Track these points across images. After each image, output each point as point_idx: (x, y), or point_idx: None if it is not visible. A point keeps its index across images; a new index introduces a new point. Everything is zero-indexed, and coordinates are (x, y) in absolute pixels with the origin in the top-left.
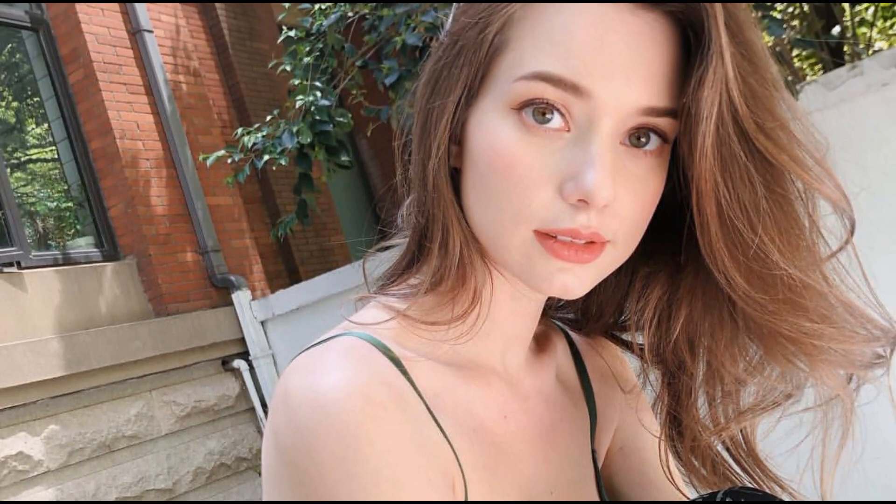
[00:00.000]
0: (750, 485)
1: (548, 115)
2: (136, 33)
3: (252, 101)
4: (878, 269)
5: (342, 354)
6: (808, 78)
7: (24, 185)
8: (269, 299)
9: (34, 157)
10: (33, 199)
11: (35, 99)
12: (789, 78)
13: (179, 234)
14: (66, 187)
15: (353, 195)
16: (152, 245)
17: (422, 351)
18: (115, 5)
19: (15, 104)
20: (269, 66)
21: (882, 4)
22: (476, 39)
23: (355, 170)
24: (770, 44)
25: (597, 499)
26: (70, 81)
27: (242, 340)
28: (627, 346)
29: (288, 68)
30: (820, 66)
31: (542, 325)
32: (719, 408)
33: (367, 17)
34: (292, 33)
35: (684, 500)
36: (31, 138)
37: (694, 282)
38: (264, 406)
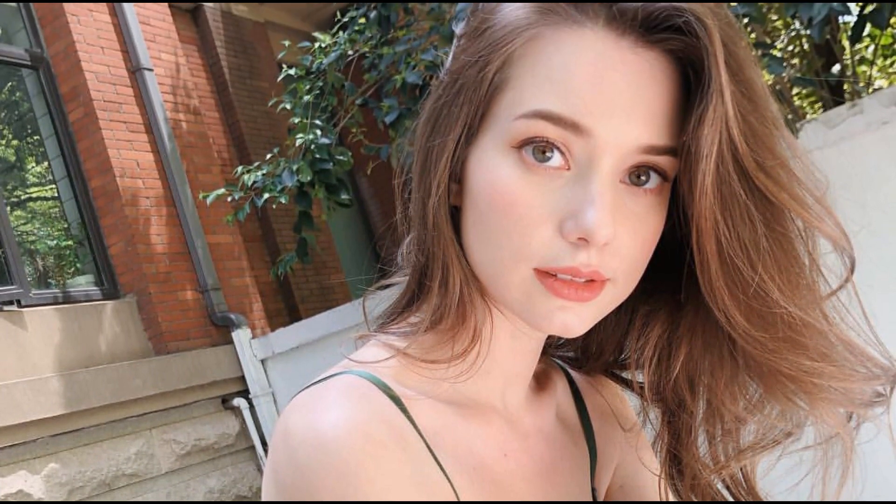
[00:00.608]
0: None
1: (548, 154)
2: (136, 71)
3: (252, 139)
4: (878, 308)
5: (342, 393)
6: (808, 116)
7: (24, 224)
8: (269, 338)
9: (34, 195)
10: (33, 238)
11: (35, 137)
12: (789, 116)
13: (179, 272)
14: (66, 226)
15: (353, 233)
16: (152, 283)
17: (422, 389)
18: (115, 44)
19: (15, 142)
20: (269, 104)
21: (882, 43)
22: (476, 78)
23: (355, 208)
24: (770, 82)
25: None
26: (70, 120)
27: (242, 379)
28: (627, 384)
29: (288, 107)
30: (820, 104)
31: (542, 363)
32: (719, 446)
33: (367, 55)
34: (292, 71)
35: None
36: (31, 177)
37: (694, 320)
38: (264, 444)
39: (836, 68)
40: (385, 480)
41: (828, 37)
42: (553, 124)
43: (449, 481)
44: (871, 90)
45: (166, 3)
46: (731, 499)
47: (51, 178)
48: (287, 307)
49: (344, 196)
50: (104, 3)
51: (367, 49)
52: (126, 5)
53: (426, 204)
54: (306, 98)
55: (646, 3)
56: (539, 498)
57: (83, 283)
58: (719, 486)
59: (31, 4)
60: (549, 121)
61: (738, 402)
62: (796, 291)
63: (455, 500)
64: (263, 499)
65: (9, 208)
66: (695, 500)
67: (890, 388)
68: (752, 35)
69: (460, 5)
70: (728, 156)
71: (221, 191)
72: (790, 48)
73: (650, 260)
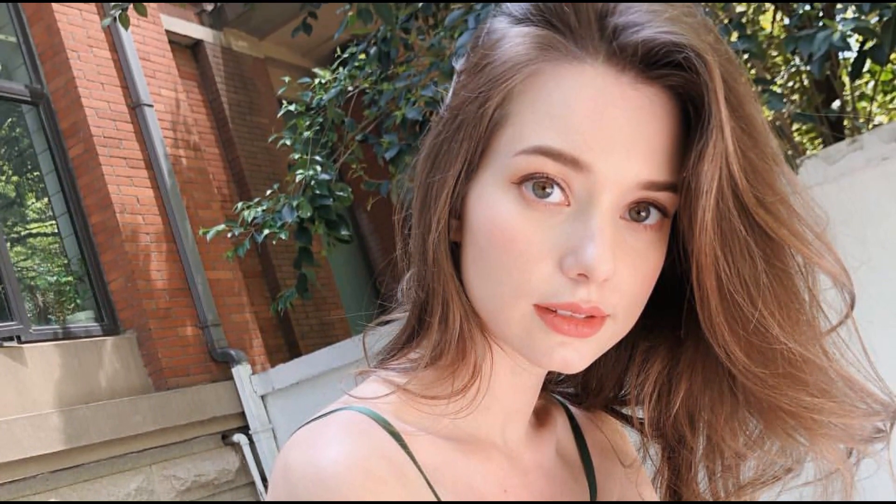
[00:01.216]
0: None
1: (548, 190)
2: (136, 107)
3: (252, 175)
4: (878, 344)
5: (342, 428)
6: (808, 152)
7: (24, 260)
8: (269, 373)
9: (34, 231)
10: (33, 274)
11: (35, 173)
12: (789, 152)
13: (179, 308)
14: (66, 261)
15: (353, 269)
16: (152, 319)
17: (422, 425)
18: (115, 80)
19: (15, 178)
20: (269, 140)
21: (882, 79)
22: (476, 114)
23: (355, 244)
24: (770, 118)
25: None
26: (70, 155)
27: (242, 415)
28: (627, 420)
29: (288, 142)
30: (820, 140)
31: (542, 399)
32: (719, 482)
33: (367, 91)
34: (292, 107)
35: None
36: (31, 212)
37: (694, 356)
38: (264, 480)
39: (836, 104)
40: None
41: (828, 73)
42: (553, 160)
43: None
44: (871, 126)
45: (166, 39)
46: None
47: (51, 214)
48: (287, 343)
49: (344, 232)
50: (104, 40)
51: (367, 85)
52: (126, 42)
53: (426, 240)
54: (306, 134)
55: (646, 39)
56: None
57: (83, 319)
58: None
59: (32, 41)
60: (549, 157)
61: (738, 438)
62: (796, 327)
63: None
64: None
65: (9, 244)
66: None
67: (890, 424)
68: (753, 71)
69: (460, 41)
70: (728, 192)
71: (221, 227)
72: (790, 84)
73: (650, 296)
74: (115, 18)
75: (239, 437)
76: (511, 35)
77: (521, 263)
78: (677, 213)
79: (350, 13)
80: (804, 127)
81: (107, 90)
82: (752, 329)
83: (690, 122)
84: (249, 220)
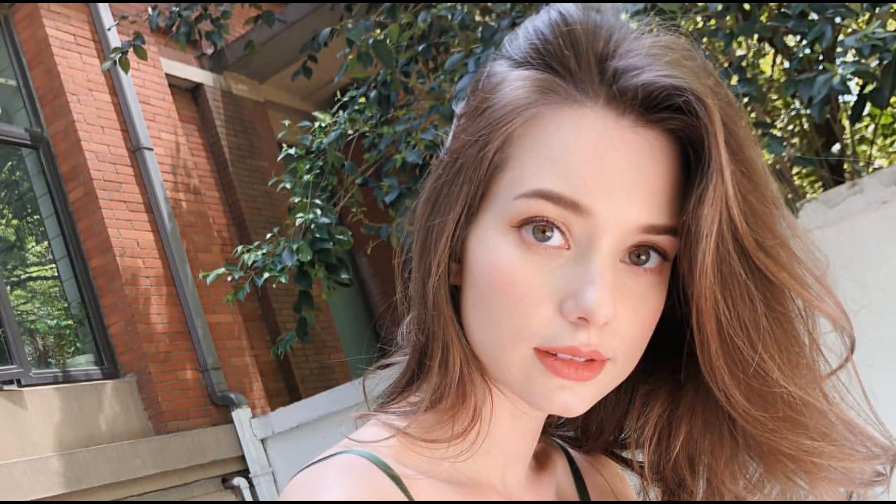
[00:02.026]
0: None
1: (548, 233)
2: (135, 151)
3: (252, 218)
4: (878, 387)
5: (342, 472)
6: (808, 195)
7: (24, 303)
8: (269, 417)
9: (34, 274)
10: (33, 317)
11: (35, 217)
12: (789, 195)
13: (179, 351)
14: (66, 305)
15: (353, 313)
16: (152, 363)
17: (422, 469)
18: (115, 123)
19: (15, 222)
20: (269, 183)
21: (882, 122)
22: (476, 157)
23: (355, 287)
24: (770, 162)
25: None
26: (70, 199)
27: (242, 458)
28: (627, 463)
29: (288, 186)
30: (820, 183)
31: (542, 442)
32: None
33: (367, 134)
34: (292, 151)
35: None
36: (31, 256)
37: (694, 399)
38: None
39: (836, 148)
40: None
41: (828, 116)
42: (553, 204)
43: None
44: (870, 170)
45: (166, 83)
46: None
47: (51, 257)
48: (287, 386)
49: (344, 276)
50: (104, 84)
51: (367, 129)
52: (126, 85)
53: (426, 283)
54: (306, 177)
55: (646, 83)
56: None
57: (83, 363)
58: None
59: (32, 85)
60: (549, 200)
61: (739, 481)
62: (796, 371)
63: None
64: None
65: (9, 288)
66: None
67: (890, 468)
68: (752, 114)
69: (460, 85)
70: (728, 235)
71: (221, 270)
72: (790, 128)
73: (650, 339)
74: (114, 62)
75: (239, 481)
76: (511, 79)
77: (522, 307)
78: (677, 257)
79: (350, 57)
80: (804, 170)
81: (107, 133)
82: (753, 372)
83: (690, 165)
84: (249, 263)
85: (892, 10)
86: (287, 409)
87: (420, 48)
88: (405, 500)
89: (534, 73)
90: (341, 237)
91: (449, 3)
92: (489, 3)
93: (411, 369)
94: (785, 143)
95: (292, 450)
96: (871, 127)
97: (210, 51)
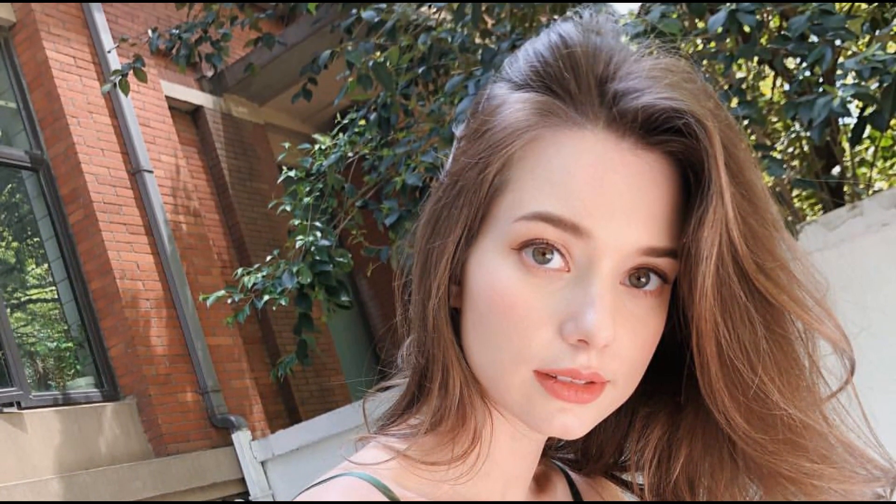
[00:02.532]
0: None
1: (548, 256)
2: (136, 173)
3: (252, 241)
4: (878, 410)
5: (342, 494)
6: (808, 218)
7: (24, 326)
8: (269, 439)
9: (34, 297)
10: (33, 340)
11: (35, 239)
12: (789, 218)
13: (179, 374)
14: (66, 327)
15: (353, 335)
16: (152, 385)
17: (422, 491)
18: (116, 146)
19: (15, 244)
20: (269, 206)
21: (882, 145)
22: (476, 180)
23: (355, 310)
24: (770, 184)
25: None
26: (70, 221)
27: (242, 481)
28: (627, 486)
29: (288, 208)
30: (820, 206)
31: (542, 465)
32: None
33: (367, 157)
34: (292, 173)
35: None
36: (31, 278)
37: (694, 422)
38: None
39: (836, 170)
40: None
41: (828, 139)
42: (553, 226)
43: None
44: (870, 192)
45: (166, 105)
46: None
47: (51, 279)
48: (287, 409)
49: (344, 298)
50: (104, 106)
51: (367, 151)
52: (126, 108)
53: (426, 306)
54: (306, 200)
55: (646, 105)
56: None
57: (83, 385)
58: None
59: (32, 107)
60: (549, 223)
61: None
62: (796, 393)
63: None
64: None
65: (9, 310)
66: None
67: (890, 490)
68: (753, 137)
69: (460, 107)
70: (728, 258)
71: (221, 293)
72: (790, 150)
73: (650, 361)
74: (115, 84)
75: None
76: (511, 101)
77: (522, 329)
78: (677, 279)
79: (350, 79)
80: (804, 193)
81: (107, 156)
82: (752, 395)
83: (690, 188)
84: (249, 286)
85: (892, 33)
86: (287, 432)
87: (420, 70)
88: None
89: (534, 96)
90: (341, 259)
91: (449, 26)
92: (489, 26)
93: (411, 392)
94: (785, 166)
95: (292, 472)
96: (871, 149)
97: (210, 73)
